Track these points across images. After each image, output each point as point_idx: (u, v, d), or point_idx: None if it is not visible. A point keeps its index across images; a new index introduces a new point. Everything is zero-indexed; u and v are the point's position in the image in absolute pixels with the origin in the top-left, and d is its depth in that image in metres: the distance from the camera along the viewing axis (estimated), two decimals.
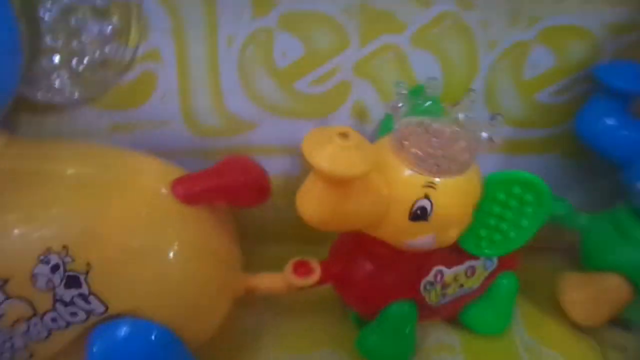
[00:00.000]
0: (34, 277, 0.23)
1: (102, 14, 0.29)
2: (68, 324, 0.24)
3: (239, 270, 0.30)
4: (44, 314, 0.24)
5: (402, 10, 0.30)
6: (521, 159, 0.36)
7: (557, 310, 0.35)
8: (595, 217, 0.35)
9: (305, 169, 0.35)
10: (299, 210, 0.25)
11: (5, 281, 0.23)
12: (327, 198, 0.24)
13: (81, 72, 0.30)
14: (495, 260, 0.32)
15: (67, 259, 0.23)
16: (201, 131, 0.34)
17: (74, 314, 0.24)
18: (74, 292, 0.24)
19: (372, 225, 0.27)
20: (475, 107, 0.27)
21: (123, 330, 0.24)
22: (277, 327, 0.34)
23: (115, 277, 0.24)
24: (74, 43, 0.29)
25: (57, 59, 0.29)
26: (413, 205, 0.26)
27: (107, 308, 0.24)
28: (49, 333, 0.24)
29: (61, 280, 0.23)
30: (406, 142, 0.26)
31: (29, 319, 0.24)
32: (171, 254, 0.25)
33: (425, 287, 0.30)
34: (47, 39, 0.28)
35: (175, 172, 0.27)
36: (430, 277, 0.30)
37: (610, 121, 0.32)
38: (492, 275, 0.32)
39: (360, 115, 0.34)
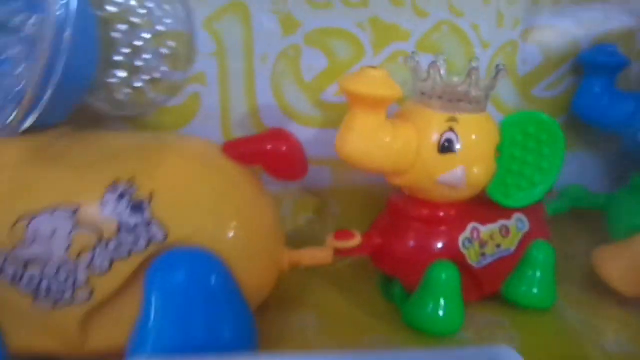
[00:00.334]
0: (102, 204, 0.25)
1: (160, 39, 0.35)
2: (130, 252, 0.25)
3: (282, 245, 0.31)
4: (108, 241, 0.25)
5: (406, 21, 0.36)
6: None
7: (597, 286, 0.35)
8: (612, 194, 0.37)
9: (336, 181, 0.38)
10: (340, 150, 0.28)
11: (76, 210, 0.25)
12: (366, 128, 0.27)
13: (139, 89, 0.35)
14: (526, 222, 0.33)
15: (133, 189, 0.26)
16: None
17: (135, 241, 0.25)
18: (137, 218, 0.25)
19: (406, 166, 0.29)
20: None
21: (181, 259, 0.25)
22: (321, 322, 0.33)
23: (175, 206, 0.26)
24: (136, 62, 0.35)
25: (120, 74, 0.34)
26: (441, 137, 0.29)
27: (166, 235, 0.25)
28: (111, 263, 0.25)
29: (126, 207, 0.25)
30: (426, 91, 0.30)
31: (94, 248, 0.25)
32: (227, 193, 0.28)
33: (464, 244, 0.31)
34: (115, 56, 0.34)
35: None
36: (467, 233, 0.31)
37: (603, 96, 0.36)
38: (525, 238, 0.33)
39: None
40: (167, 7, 0.35)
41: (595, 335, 0.32)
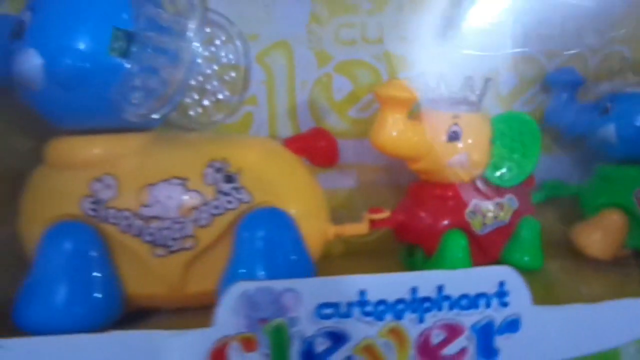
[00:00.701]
0: (204, 175, 0.34)
1: (224, 69, 0.45)
2: (225, 210, 0.34)
3: (328, 218, 0.40)
4: (210, 202, 0.34)
5: (412, 54, 0.47)
6: None
7: (576, 254, 0.44)
8: (582, 184, 0.47)
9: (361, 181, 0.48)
10: (374, 142, 0.37)
11: (186, 179, 0.34)
12: (394, 124, 0.37)
13: (206, 107, 0.45)
14: (516, 201, 0.42)
15: (226, 165, 0.34)
16: None
17: (229, 202, 0.34)
18: (230, 185, 0.34)
19: (422, 153, 0.39)
20: None
21: (263, 215, 0.34)
22: None
23: (257, 178, 0.35)
24: (206, 86, 0.44)
25: (194, 95, 0.44)
26: (448, 129, 0.38)
27: (252, 198, 0.34)
28: (212, 219, 0.34)
29: (222, 178, 0.34)
30: (433, 98, 0.40)
31: (198, 207, 0.33)
32: (292, 171, 0.37)
33: (469, 216, 0.40)
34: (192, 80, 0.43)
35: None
36: (471, 207, 0.40)
37: (568, 108, 0.46)
38: (516, 213, 0.42)
39: None
40: (230, 45, 0.45)
41: (575, 286, 0.40)
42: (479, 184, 0.41)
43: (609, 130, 0.44)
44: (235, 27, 0.43)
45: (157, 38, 0.32)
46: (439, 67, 0.47)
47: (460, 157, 0.39)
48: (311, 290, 0.31)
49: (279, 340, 0.30)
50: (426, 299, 0.31)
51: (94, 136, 0.34)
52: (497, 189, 0.41)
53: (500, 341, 0.32)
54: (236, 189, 0.34)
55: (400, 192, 0.46)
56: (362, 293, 0.31)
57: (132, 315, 0.35)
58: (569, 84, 0.46)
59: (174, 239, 0.33)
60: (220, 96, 0.45)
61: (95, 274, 0.33)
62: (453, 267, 0.39)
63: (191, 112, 0.44)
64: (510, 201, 0.42)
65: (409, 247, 0.43)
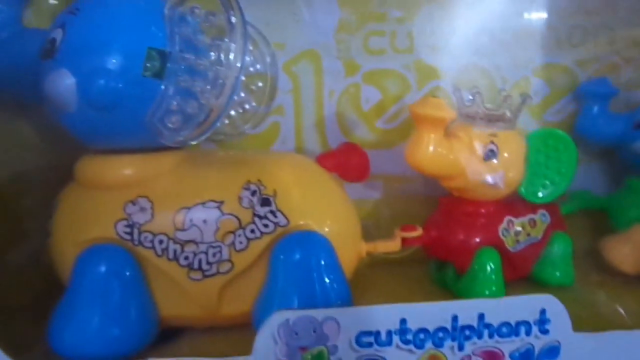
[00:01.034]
0: (240, 199, 0.33)
1: (251, 79, 0.44)
2: (262, 234, 0.33)
3: (361, 236, 0.39)
4: (246, 226, 0.33)
5: (441, 63, 0.46)
6: None
7: (605, 269, 0.43)
8: (612, 195, 0.46)
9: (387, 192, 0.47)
10: (409, 161, 0.37)
11: (222, 202, 0.33)
12: (429, 143, 0.36)
13: (232, 118, 0.44)
14: (548, 217, 0.42)
15: (261, 187, 0.34)
16: None
17: (266, 225, 0.33)
18: (266, 209, 0.34)
19: (459, 172, 0.38)
20: None
21: (300, 239, 0.34)
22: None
23: (293, 200, 0.34)
24: (235, 97, 0.43)
25: None
26: (485, 148, 0.38)
27: (289, 221, 0.34)
28: (248, 243, 0.33)
29: (258, 201, 0.34)
30: (469, 114, 0.39)
31: (235, 231, 0.33)
32: (327, 192, 0.37)
33: (502, 233, 0.40)
34: None
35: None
36: (504, 224, 0.40)
37: (599, 119, 0.46)
38: (548, 229, 0.42)
39: None
40: (257, 55, 0.44)
41: (606, 302, 0.40)
42: (513, 201, 0.40)
43: None
44: (263, 36, 0.42)
45: (192, 59, 0.32)
46: (469, 76, 0.46)
47: (496, 175, 0.38)
48: (352, 319, 0.30)
49: None
50: (467, 327, 0.31)
51: (126, 156, 0.34)
52: (531, 205, 0.41)
53: None
54: (272, 212, 0.34)
55: (426, 202, 0.46)
56: (402, 321, 0.31)
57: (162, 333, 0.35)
58: (602, 95, 0.46)
59: (210, 263, 0.33)
60: (247, 106, 0.44)
61: (130, 297, 0.33)
62: (486, 285, 0.39)
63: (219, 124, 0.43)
64: (542, 217, 0.42)
65: (439, 262, 0.43)
